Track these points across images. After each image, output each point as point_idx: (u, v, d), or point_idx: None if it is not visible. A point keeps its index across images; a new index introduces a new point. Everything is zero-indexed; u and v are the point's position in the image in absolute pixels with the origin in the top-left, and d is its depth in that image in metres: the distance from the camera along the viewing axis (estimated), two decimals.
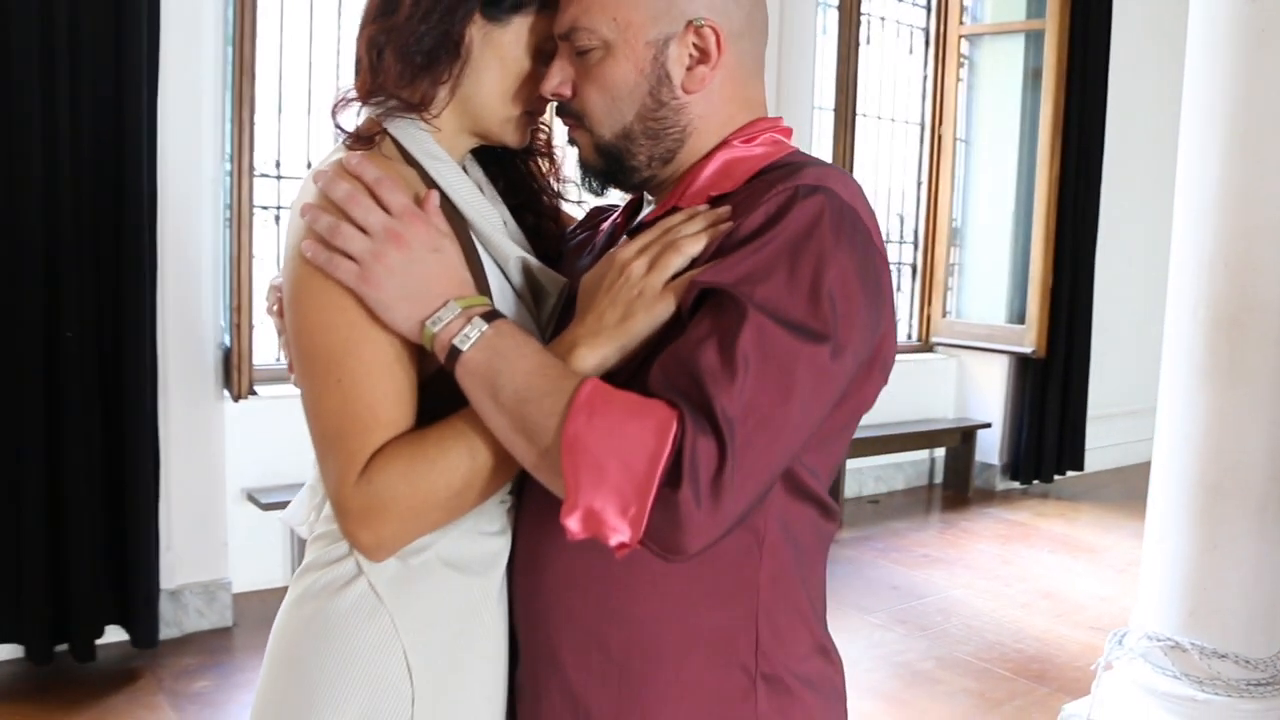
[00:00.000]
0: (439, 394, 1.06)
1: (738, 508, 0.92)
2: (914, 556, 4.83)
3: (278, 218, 4.05)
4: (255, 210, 3.60)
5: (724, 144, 1.11)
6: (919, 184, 6.19)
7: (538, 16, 1.13)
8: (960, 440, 5.96)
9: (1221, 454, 2.64)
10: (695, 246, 1.02)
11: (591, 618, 1.07)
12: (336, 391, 1.04)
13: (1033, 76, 5.85)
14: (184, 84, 3.37)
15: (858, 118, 5.03)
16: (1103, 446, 6.45)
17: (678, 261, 1.01)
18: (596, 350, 1.01)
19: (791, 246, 0.97)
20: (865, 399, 1.08)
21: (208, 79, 3.46)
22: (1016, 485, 6.07)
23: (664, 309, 1.01)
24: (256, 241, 3.64)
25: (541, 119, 1.23)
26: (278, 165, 4.05)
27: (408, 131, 1.14)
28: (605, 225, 1.26)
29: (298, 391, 1.11)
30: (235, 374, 3.56)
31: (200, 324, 3.55)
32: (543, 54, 1.15)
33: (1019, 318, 5.87)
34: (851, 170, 4.90)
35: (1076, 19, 5.61)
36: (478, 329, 1.00)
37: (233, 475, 3.68)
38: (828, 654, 1.14)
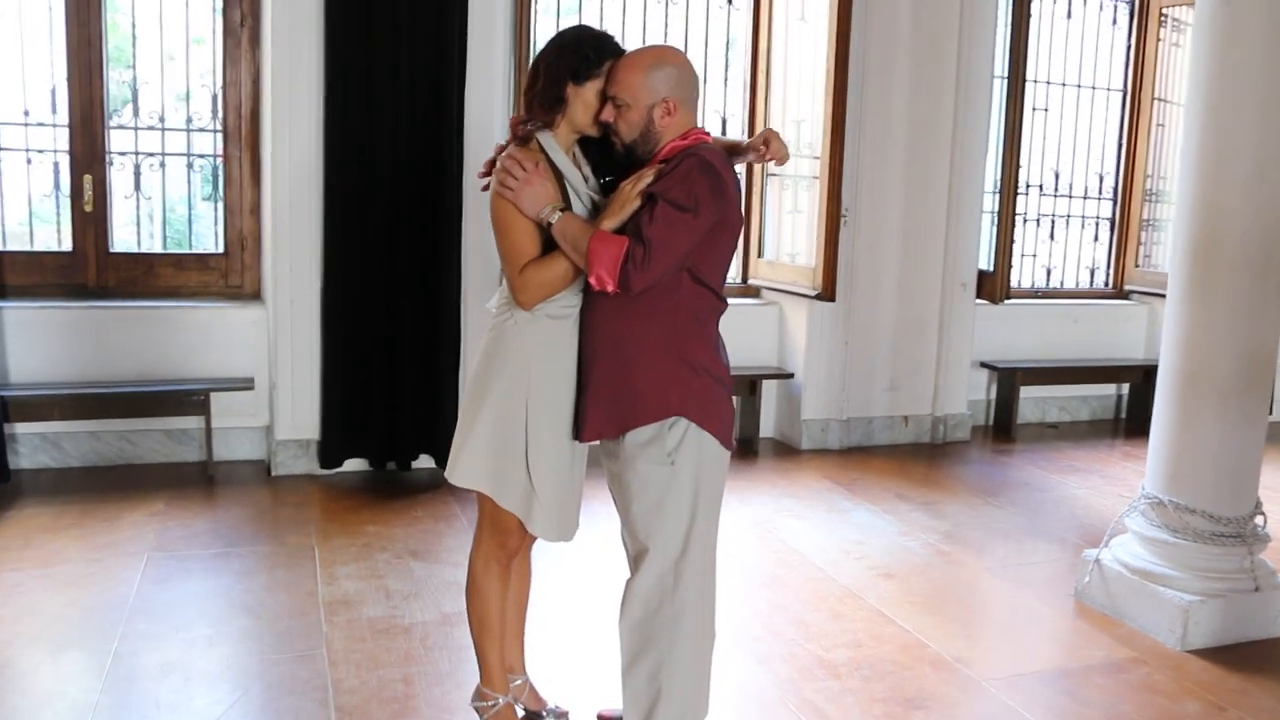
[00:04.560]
0: (549, 244, 2.40)
1: (655, 274, 2.27)
2: (1059, 465, 5.60)
3: None
4: None
5: (670, 142, 2.40)
6: (1119, 145, 6.75)
7: (602, 80, 2.40)
8: (1142, 378, 6.53)
9: (1195, 353, 3.42)
10: (649, 178, 2.33)
11: (611, 336, 2.42)
12: (508, 242, 2.42)
13: None
14: (479, 105, 4.90)
15: (1028, 84, 5.86)
16: None
17: (643, 185, 2.33)
18: (612, 222, 2.34)
19: (682, 176, 2.29)
20: (720, 243, 2.39)
21: (498, 100, 4.97)
22: None
23: (637, 204, 2.33)
24: None
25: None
26: None
27: (543, 135, 2.46)
28: None
29: None
30: None
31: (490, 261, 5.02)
32: (603, 96, 2.41)
33: None
34: (1020, 127, 5.88)
35: None
36: (558, 214, 2.36)
37: None
38: (718, 362, 2.48)
